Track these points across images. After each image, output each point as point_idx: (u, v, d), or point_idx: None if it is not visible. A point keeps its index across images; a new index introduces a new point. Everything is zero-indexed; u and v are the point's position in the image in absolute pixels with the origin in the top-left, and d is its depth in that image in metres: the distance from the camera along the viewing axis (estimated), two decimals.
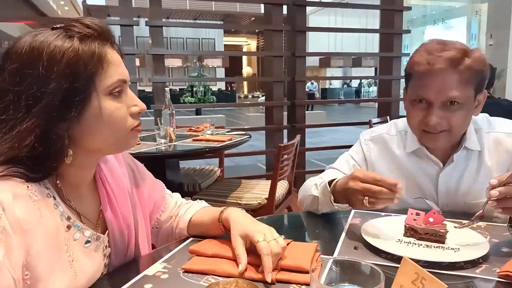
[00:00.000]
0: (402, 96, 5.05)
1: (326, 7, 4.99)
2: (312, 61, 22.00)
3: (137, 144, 2.23)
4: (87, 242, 0.73)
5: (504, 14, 9.34)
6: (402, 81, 4.95)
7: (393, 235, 0.90)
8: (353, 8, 4.90)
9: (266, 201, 2.22)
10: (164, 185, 1.03)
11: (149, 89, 13.37)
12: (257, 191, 2.36)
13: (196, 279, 0.71)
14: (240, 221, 0.81)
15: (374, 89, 23.14)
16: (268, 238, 0.73)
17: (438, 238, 0.86)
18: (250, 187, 2.45)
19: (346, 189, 0.91)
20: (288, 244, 0.79)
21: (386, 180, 0.85)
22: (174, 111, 2.47)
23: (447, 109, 0.99)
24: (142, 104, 0.76)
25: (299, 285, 0.68)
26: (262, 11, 4.26)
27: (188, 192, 2.57)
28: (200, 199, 2.28)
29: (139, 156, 1.99)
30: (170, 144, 2.27)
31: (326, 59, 23.65)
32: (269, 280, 0.68)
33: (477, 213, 0.85)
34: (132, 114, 0.74)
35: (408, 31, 4.65)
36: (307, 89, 20.73)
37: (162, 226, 0.97)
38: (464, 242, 0.85)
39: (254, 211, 2.23)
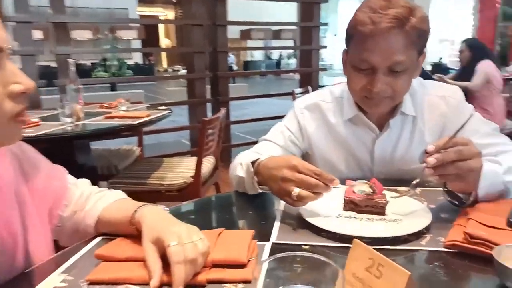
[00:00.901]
0: (321, 67, 5.15)
1: None
2: (232, 33, 21.69)
3: (36, 125, 1.93)
4: None
5: None
6: (322, 51, 5.04)
7: (333, 210, 0.82)
8: None
9: (192, 179, 2.08)
10: (66, 171, 0.83)
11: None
12: (182, 170, 2.20)
13: None
14: (153, 223, 0.65)
15: (293, 61, 23.64)
16: (184, 241, 0.58)
17: (379, 210, 0.80)
18: (173, 166, 2.28)
19: (274, 175, 0.80)
20: (219, 234, 0.67)
21: (324, 174, 0.76)
22: (81, 86, 2.17)
23: (392, 74, 0.92)
24: (27, 81, 0.57)
25: (235, 284, 0.57)
26: None
27: (103, 175, 2.32)
28: (118, 182, 2.13)
29: (38, 140, 1.75)
30: (77, 123, 1.99)
31: (246, 32, 23.50)
32: None
33: (414, 181, 0.80)
34: (12, 95, 0.55)
35: (326, 0, 4.67)
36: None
37: (66, 223, 0.79)
38: (405, 212, 0.80)
39: (180, 191, 2.07)
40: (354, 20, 0.92)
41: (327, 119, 1.10)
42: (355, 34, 0.93)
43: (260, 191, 0.90)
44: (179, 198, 2.09)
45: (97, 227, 0.76)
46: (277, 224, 0.79)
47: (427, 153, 0.76)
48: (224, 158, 3.84)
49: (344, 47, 1.02)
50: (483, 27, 7.14)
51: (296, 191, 0.75)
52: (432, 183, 1.04)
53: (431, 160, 0.73)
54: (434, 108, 1.05)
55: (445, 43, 13.73)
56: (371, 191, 0.81)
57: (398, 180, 1.06)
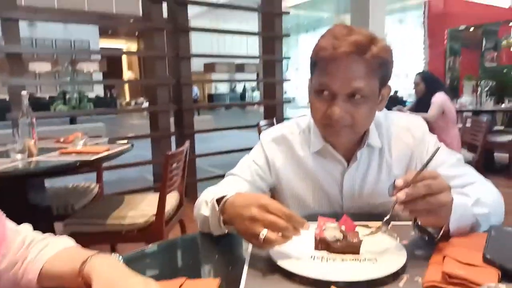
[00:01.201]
0: (285, 99, 5.23)
1: (208, 6, 4.89)
2: (196, 66, 21.87)
3: None
4: None
5: (363, 23, 10.49)
6: (285, 84, 5.14)
7: (305, 250, 0.77)
8: (235, 9, 4.89)
9: (154, 217, 1.97)
10: (3, 215, 0.73)
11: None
12: (144, 207, 2.08)
13: None
14: (105, 276, 0.58)
15: (257, 94, 24.06)
16: None
17: (353, 249, 0.76)
18: (135, 203, 2.16)
19: (241, 214, 0.75)
20: (180, 286, 0.61)
21: (295, 217, 0.72)
22: (34, 120, 2.05)
23: (351, 102, 0.92)
24: None
25: None
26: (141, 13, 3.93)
27: (59, 216, 2.16)
28: (74, 223, 1.98)
29: None
30: (29, 160, 1.86)
31: (210, 65, 23.79)
32: None
33: (385, 218, 0.78)
34: None
35: (288, 35, 4.82)
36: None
37: (2, 277, 0.69)
38: (379, 250, 0.77)
39: (141, 230, 1.95)
40: (317, 46, 0.93)
41: (295, 151, 1.08)
42: (317, 60, 0.93)
43: (226, 231, 0.84)
44: (141, 238, 1.97)
45: (41, 281, 0.67)
46: (245, 269, 0.73)
47: (396, 188, 0.74)
48: (190, 194, 3.73)
49: (307, 78, 1.02)
50: (434, 61, 7.59)
51: (263, 233, 0.70)
52: (402, 217, 1.03)
53: (401, 195, 0.71)
54: (399, 139, 1.04)
55: (400, 77, 14.52)
56: (342, 236, 0.77)
57: (368, 214, 1.03)
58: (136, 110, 8.73)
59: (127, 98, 24.98)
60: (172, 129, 4.05)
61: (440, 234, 0.78)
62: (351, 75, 0.89)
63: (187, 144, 2.26)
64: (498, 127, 5.42)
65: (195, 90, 20.61)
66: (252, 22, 15.46)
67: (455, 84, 7.14)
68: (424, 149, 1.02)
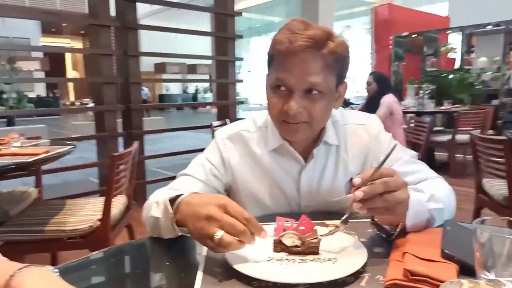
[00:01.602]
0: (238, 100, 5.19)
1: (158, 4, 4.75)
2: (146, 66, 21.25)
3: None
4: None
5: None
6: (238, 85, 5.10)
7: (263, 253, 0.73)
8: (187, 8, 4.78)
9: (99, 222, 1.84)
10: None
11: None
12: (88, 212, 1.94)
13: None
14: None
15: (210, 95, 23.87)
16: None
17: (312, 250, 0.73)
18: (78, 208, 2.01)
19: (198, 213, 0.69)
20: None
21: (254, 222, 0.67)
22: None
23: (308, 97, 0.90)
24: None
25: None
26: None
27: None
28: (9, 231, 1.80)
29: None
30: None
31: (161, 65, 23.22)
32: None
33: (343, 218, 0.75)
34: None
35: (241, 36, 4.79)
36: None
37: None
38: (339, 249, 0.74)
39: (85, 237, 1.82)
40: (274, 40, 0.90)
41: (252, 150, 1.03)
42: (273, 54, 0.91)
43: (180, 233, 0.78)
44: (85, 245, 1.83)
45: None
46: (200, 275, 0.67)
47: (353, 186, 0.72)
48: (139, 197, 3.58)
49: (264, 75, 0.98)
50: (380, 65, 7.93)
51: (219, 234, 0.65)
52: (358, 213, 1.02)
53: (359, 193, 0.69)
54: (355, 137, 1.04)
55: (348, 80, 15.04)
56: (300, 242, 0.73)
57: (325, 212, 1.02)
58: (80, 109, 8.24)
59: (72, 99, 23.77)
60: (120, 129, 3.86)
61: (397, 231, 0.78)
62: (307, 70, 0.87)
63: (135, 145, 2.15)
64: (438, 128, 5.75)
65: (146, 90, 20.04)
66: (204, 25, 15.31)
67: (399, 87, 7.49)
68: (379, 146, 1.02)
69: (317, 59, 0.87)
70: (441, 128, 5.81)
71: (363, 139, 1.03)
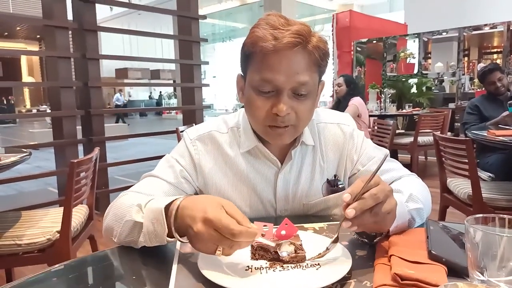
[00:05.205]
0: (204, 105, 5.10)
1: (119, 6, 4.60)
2: (107, 72, 20.61)
3: None
4: None
5: None
6: (204, 89, 5.02)
7: (240, 261, 0.68)
8: (149, 11, 4.65)
9: (58, 235, 1.71)
10: None
11: None
12: (46, 224, 1.81)
13: None
14: None
15: (174, 101, 23.48)
16: None
17: (299, 259, 0.68)
18: (35, 220, 1.87)
19: (190, 227, 0.65)
20: None
21: (244, 230, 0.62)
22: None
23: (296, 98, 0.84)
24: None
25: None
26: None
27: None
28: None
29: None
30: None
31: (123, 71, 22.54)
32: None
33: (333, 238, 0.69)
34: None
35: (206, 40, 4.72)
36: (116, 101, 19.20)
37: None
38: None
39: (42, 250, 1.69)
40: (254, 37, 0.82)
41: (224, 151, 0.97)
42: (255, 52, 0.83)
43: (171, 241, 0.70)
44: (43, 259, 1.70)
45: None
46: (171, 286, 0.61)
47: (344, 203, 0.66)
48: (101, 206, 3.41)
49: (237, 75, 0.93)
50: (342, 70, 8.10)
51: (219, 251, 0.62)
52: (336, 216, 0.99)
53: (350, 212, 0.63)
54: (330, 136, 1.00)
55: None
56: (293, 250, 0.68)
57: (302, 216, 0.98)
58: (37, 115, 7.79)
59: (28, 105, 22.66)
60: (80, 136, 3.68)
61: (381, 237, 0.74)
62: (296, 68, 0.81)
63: (96, 151, 2.03)
64: (399, 131, 5.92)
65: (119, 97, 19.37)
66: (165, 28, 15.07)
67: (361, 92, 7.68)
68: (353, 144, 1.00)
69: (304, 56, 0.82)
70: (402, 131, 6.00)
71: (337, 137, 1.00)
